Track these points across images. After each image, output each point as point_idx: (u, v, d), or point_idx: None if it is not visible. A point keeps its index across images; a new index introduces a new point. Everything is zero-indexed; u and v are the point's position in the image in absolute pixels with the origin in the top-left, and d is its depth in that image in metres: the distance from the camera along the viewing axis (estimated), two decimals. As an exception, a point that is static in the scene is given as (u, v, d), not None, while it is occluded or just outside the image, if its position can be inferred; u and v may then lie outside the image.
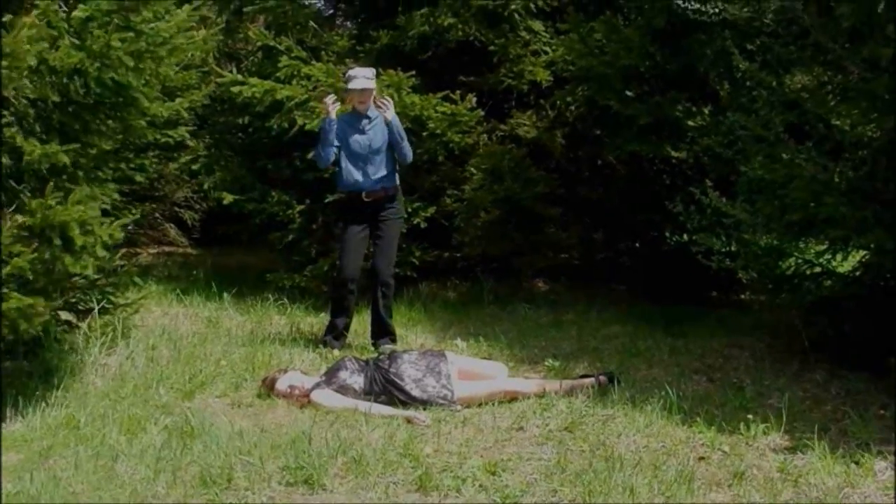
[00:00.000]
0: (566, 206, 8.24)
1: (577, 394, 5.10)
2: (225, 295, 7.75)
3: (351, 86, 6.10)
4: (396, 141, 6.16)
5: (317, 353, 6.16)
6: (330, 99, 6.15)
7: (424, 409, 4.90)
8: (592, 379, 5.30)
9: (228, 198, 8.18)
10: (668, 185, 7.93)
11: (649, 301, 7.78)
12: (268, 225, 8.33)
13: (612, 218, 8.35)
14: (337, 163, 6.25)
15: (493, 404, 4.97)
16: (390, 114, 6.14)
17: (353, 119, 6.20)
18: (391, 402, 4.99)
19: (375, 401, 4.96)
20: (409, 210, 7.70)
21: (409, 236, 7.75)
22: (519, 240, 8.23)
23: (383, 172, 6.20)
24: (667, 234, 8.12)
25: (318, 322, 7.17)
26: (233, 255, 10.44)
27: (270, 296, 7.70)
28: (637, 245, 8.55)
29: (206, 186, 8.88)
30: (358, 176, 6.16)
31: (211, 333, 6.61)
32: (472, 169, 8.09)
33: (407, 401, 4.99)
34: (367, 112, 6.16)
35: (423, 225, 7.85)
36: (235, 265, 9.87)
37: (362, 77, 6.07)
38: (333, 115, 6.08)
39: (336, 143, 6.13)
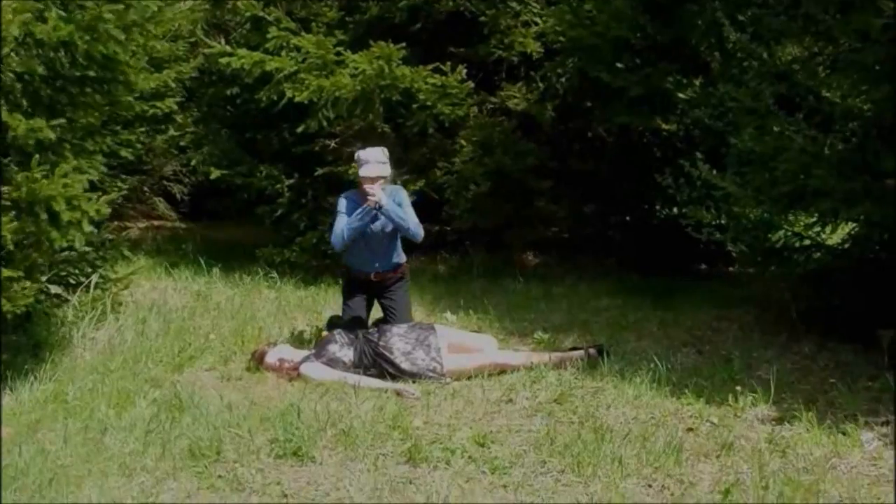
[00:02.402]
0: (556, 178, 8.23)
1: (566, 366, 5.12)
2: (214, 269, 7.75)
3: (363, 172, 5.50)
4: (400, 226, 5.58)
5: (307, 326, 6.18)
6: (378, 186, 5.51)
7: (414, 382, 4.92)
8: (582, 352, 5.32)
9: (216, 172, 8.16)
10: (658, 158, 7.94)
11: (639, 274, 7.81)
12: (256, 199, 8.33)
13: (603, 191, 8.35)
14: None
15: (483, 377, 4.99)
16: (380, 200, 5.48)
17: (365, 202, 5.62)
18: (381, 375, 5.01)
19: (365, 374, 4.98)
20: (399, 182, 7.68)
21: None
22: (509, 213, 8.24)
23: (394, 254, 5.77)
24: (657, 207, 8.18)
25: (307, 296, 7.20)
26: (222, 229, 10.43)
27: (259, 270, 7.70)
28: (627, 218, 8.57)
29: (193, 162, 8.85)
30: (368, 258, 5.68)
31: (200, 307, 6.62)
32: (463, 141, 8.07)
33: (396, 374, 5.00)
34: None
35: (412, 198, 7.76)
36: (224, 239, 9.86)
37: (375, 162, 5.51)
38: (385, 202, 5.49)
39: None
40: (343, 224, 5.51)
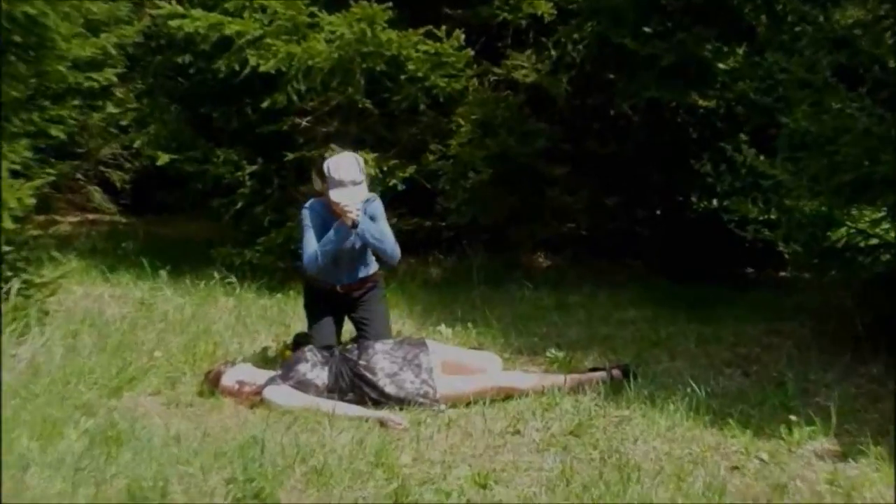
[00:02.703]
0: (572, 164, 8.21)
1: (585, 390, 5.10)
2: (161, 272, 7.68)
3: (335, 196, 5.42)
4: (376, 248, 5.63)
5: (271, 342, 6.14)
6: (353, 206, 5.48)
7: (401, 410, 4.88)
8: (603, 373, 5.29)
9: (164, 157, 8.10)
10: (694, 140, 7.95)
11: (672, 279, 7.80)
12: (212, 189, 8.29)
13: (628, 179, 8.33)
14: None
15: (484, 403, 4.94)
16: (356, 219, 5.49)
17: (336, 219, 5.62)
18: (361, 400, 4.97)
19: (342, 399, 4.94)
20: (385, 168, 7.66)
21: (388, 204, 7.72)
22: (516, 205, 8.22)
23: (365, 265, 5.79)
24: (692, 199, 8.18)
25: (272, 304, 7.15)
26: (170, 225, 10.39)
27: (216, 273, 7.65)
28: (657, 212, 8.59)
29: (137, 144, 8.79)
30: (332, 270, 5.67)
31: (143, 318, 6.55)
32: (460, 120, 8.04)
33: (380, 399, 4.97)
34: None
35: (400, 187, 7.80)
36: (173, 237, 9.82)
37: (350, 183, 5.42)
38: (360, 220, 5.51)
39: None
40: (315, 246, 5.50)
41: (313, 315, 5.77)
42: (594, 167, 8.32)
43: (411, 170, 7.89)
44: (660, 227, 8.48)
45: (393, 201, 7.86)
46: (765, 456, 4.33)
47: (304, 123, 7.91)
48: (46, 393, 5.06)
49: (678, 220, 8.14)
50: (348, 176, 5.42)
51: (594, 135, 8.51)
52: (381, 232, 5.55)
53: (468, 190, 7.97)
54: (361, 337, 5.64)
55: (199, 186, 8.31)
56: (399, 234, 7.76)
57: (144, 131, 8.52)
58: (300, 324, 6.28)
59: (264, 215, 8.02)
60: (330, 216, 5.52)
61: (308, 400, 4.94)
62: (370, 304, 5.74)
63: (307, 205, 5.67)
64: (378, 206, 5.66)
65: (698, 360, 5.80)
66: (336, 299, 5.73)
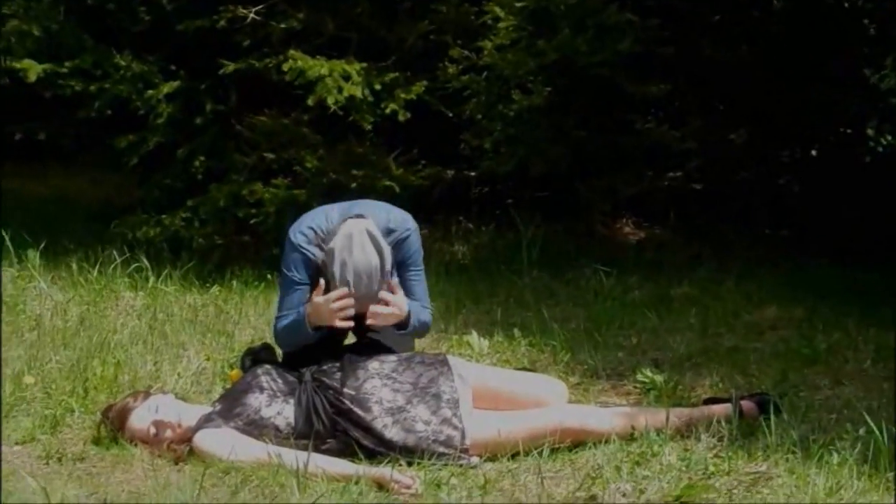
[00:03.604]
0: (675, 77, 8.25)
1: (698, 433, 5.06)
2: (30, 254, 7.74)
3: (338, 306, 5.27)
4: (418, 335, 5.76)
5: (205, 360, 6.18)
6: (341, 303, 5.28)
7: (410, 465, 4.85)
8: (728, 405, 5.27)
9: (35, 69, 8.17)
10: (870, 38, 7.86)
11: (835, 260, 7.78)
12: (111, 120, 8.40)
13: (764, 101, 8.37)
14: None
15: (541, 454, 4.92)
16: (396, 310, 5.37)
17: None
18: (347, 450, 4.96)
19: (318, 449, 4.93)
20: (379, 87, 7.69)
21: (383, 140, 7.80)
22: (586, 143, 8.25)
23: None
24: (869, 131, 8.07)
25: (205, 302, 7.23)
26: (44, 180, 10.34)
27: (115, 254, 7.73)
28: (811, 153, 8.47)
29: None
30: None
31: (6, 325, 6.60)
32: (497, 9, 8.09)
33: (377, 448, 4.95)
34: None
35: (403, 117, 7.92)
36: (49, 197, 9.83)
37: (366, 276, 5.26)
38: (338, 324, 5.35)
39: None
40: (289, 325, 5.43)
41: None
42: (711, 83, 8.37)
43: (420, 88, 7.98)
44: (816, 176, 8.44)
45: (393, 138, 7.96)
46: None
47: (250, 16, 7.98)
48: None
49: (845, 167, 8.09)
50: (361, 289, 5.22)
51: (711, 31, 8.49)
52: (419, 304, 5.48)
53: (511, 120, 8.04)
54: (363, 345, 5.54)
55: (89, 115, 8.38)
56: (406, 191, 7.89)
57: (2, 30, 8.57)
58: (252, 333, 6.34)
59: (193, 162, 8.13)
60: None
61: (263, 450, 4.88)
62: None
63: (300, 240, 5.41)
64: (410, 247, 5.50)
65: (877, 385, 5.75)
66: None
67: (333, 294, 5.12)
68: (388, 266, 5.23)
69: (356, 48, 7.83)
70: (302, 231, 5.34)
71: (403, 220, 5.44)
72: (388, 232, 5.31)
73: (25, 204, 9.50)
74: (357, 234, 5.20)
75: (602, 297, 7.43)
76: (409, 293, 5.40)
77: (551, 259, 8.06)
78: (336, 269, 5.15)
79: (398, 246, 5.37)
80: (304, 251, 5.31)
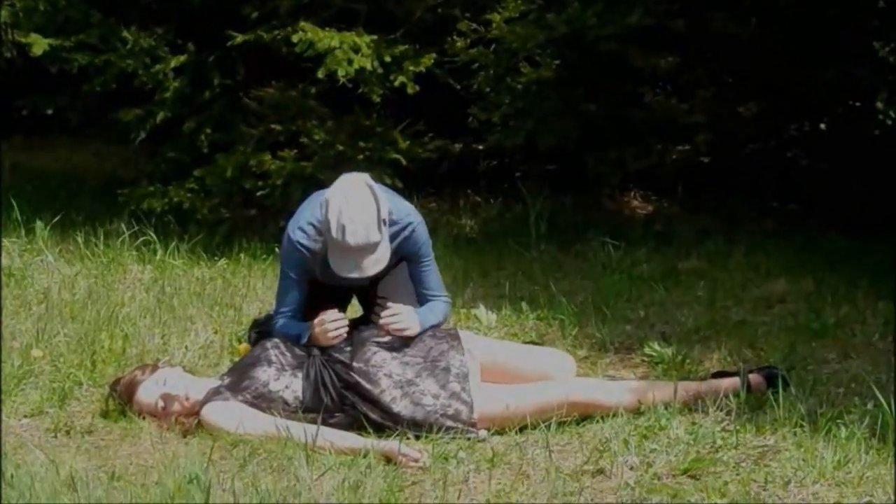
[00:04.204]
0: (685, 52, 8.25)
1: (706, 407, 5.08)
2: (38, 226, 7.74)
3: (338, 267, 5.26)
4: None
5: (213, 333, 6.19)
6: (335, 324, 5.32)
7: (418, 438, 4.89)
8: (736, 380, 5.28)
9: (41, 43, 8.15)
10: (877, 10, 7.83)
11: (844, 233, 7.78)
12: (118, 94, 8.38)
13: (773, 74, 8.33)
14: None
15: (548, 427, 4.94)
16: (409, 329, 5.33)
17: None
18: (355, 423, 4.98)
19: (326, 422, 4.95)
20: (388, 59, 7.66)
21: (391, 112, 7.78)
22: (595, 117, 8.26)
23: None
24: (878, 104, 8.06)
25: (213, 275, 7.24)
26: (51, 152, 10.34)
27: (123, 227, 7.73)
28: (820, 126, 8.48)
29: (1, 19, 8.83)
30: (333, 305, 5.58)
31: (13, 298, 6.66)
32: (505, -18, 8.11)
33: (384, 421, 4.97)
34: None
35: (412, 90, 7.89)
36: (56, 170, 9.82)
37: (361, 250, 5.21)
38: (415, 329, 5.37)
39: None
40: (289, 336, 5.41)
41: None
42: (721, 56, 8.33)
43: (429, 61, 7.94)
44: (825, 150, 8.42)
45: (401, 111, 7.94)
46: None
47: (258, -11, 8.00)
48: None
49: (854, 140, 8.07)
50: (358, 236, 5.18)
51: (720, 4, 8.44)
52: (435, 311, 5.49)
53: (520, 94, 8.03)
54: (372, 317, 5.52)
55: (95, 88, 8.36)
56: (413, 164, 7.88)
57: (9, 5, 8.55)
58: (260, 306, 6.35)
59: (199, 134, 8.11)
60: (333, 276, 5.35)
61: (272, 423, 4.93)
62: (394, 276, 5.60)
63: (300, 237, 5.43)
64: (417, 241, 5.51)
65: (885, 360, 5.75)
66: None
67: (328, 320, 5.19)
68: (385, 216, 5.20)
69: (366, 20, 7.79)
70: (301, 227, 5.37)
71: (407, 213, 5.48)
72: (392, 223, 5.33)
73: (33, 177, 9.51)
74: (354, 184, 5.22)
75: (610, 270, 7.45)
76: (421, 285, 5.49)
77: (559, 232, 8.07)
78: (332, 218, 5.12)
79: (405, 242, 5.42)
80: (302, 249, 5.35)
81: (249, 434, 4.89)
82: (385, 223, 5.21)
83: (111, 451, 4.88)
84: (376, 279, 5.48)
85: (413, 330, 5.22)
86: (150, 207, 7.96)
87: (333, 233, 5.14)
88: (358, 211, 5.13)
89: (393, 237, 5.32)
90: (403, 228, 5.41)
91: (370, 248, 5.16)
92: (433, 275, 5.56)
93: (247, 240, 7.72)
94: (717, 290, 7.01)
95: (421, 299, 5.50)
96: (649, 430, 4.93)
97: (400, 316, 5.22)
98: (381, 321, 5.18)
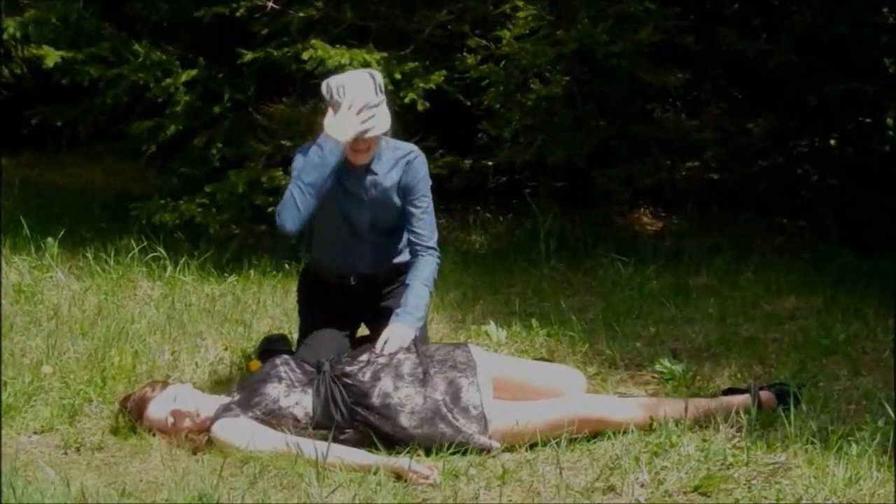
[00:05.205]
0: (695, 66, 8.23)
1: (716, 424, 5.07)
2: (49, 242, 7.73)
3: (343, 130, 5.37)
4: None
5: (223, 350, 6.19)
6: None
7: (429, 454, 4.88)
8: (747, 396, 5.28)
9: (53, 55, 8.15)
10: (887, 26, 7.82)
11: (855, 249, 7.76)
12: (128, 108, 8.39)
13: (784, 89, 8.32)
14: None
15: (559, 443, 4.95)
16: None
17: (345, 174, 5.61)
18: (365, 440, 4.98)
19: (336, 439, 4.94)
20: (398, 76, 7.65)
21: (402, 129, 7.75)
22: (604, 132, 8.26)
23: (391, 253, 5.83)
24: (888, 120, 8.06)
25: (223, 292, 7.23)
26: (62, 168, 10.34)
27: (133, 243, 7.73)
28: (830, 142, 8.47)
29: (6, 35, 8.82)
30: (346, 256, 5.74)
31: (23, 314, 6.65)
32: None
33: (395, 438, 4.97)
34: (371, 165, 5.63)
35: (422, 106, 7.89)
36: (67, 186, 9.80)
37: (362, 91, 5.36)
38: (343, 141, 5.42)
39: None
40: (306, 159, 5.40)
41: (310, 321, 5.74)
42: (730, 73, 8.30)
43: (439, 78, 7.94)
44: (834, 166, 8.39)
45: (410, 127, 7.92)
46: None
47: (269, 5, 7.97)
48: None
49: (864, 156, 8.04)
50: (356, 91, 5.32)
51: (730, 20, 8.45)
52: (421, 292, 5.52)
53: (530, 110, 8.01)
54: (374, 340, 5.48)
55: (106, 101, 8.35)
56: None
57: (19, 18, 8.54)
58: (270, 323, 6.33)
59: (211, 149, 8.12)
60: (339, 179, 5.44)
61: (282, 440, 4.92)
62: (396, 298, 5.65)
63: (300, 148, 5.61)
64: (418, 171, 5.61)
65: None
66: (349, 299, 5.72)
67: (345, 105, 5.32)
68: (381, 84, 5.39)
69: (377, 37, 7.80)
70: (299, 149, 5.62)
71: (411, 145, 5.71)
72: (395, 148, 5.63)
73: (45, 193, 9.52)
74: (355, 71, 5.54)
75: (620, 286, 7.44)
76: (415, 230, 5.61)
77: (569, 249, 8.07)
78: (333, 85, 5.35)
79: (408, 167, 5.58)
80: (300, 153, 5.57)
81: (260, 451, 4.89)
82: (381, 90, 5.38)
83: (121, 468, 4.88)
84: (386, 299, 5.65)
85: (407, 340, 5.28)
86: (161, 221, 7.94)
87: (335, 95, 5.34)
88: (355, 78, 5.40)
89: (396, 162, 5.54)
90: (407, 154, 5.59)
91: (370, 106, 5.33)
92: (428, 218, 5.62)
93: (257, 256, 7.72)
94: (728, 306, 7.00)
95: (411, 250, 5.61)
96: (660, 448, 4.93)
97: (391, 341, 5.25)
98: (380, 358, 5.19)
